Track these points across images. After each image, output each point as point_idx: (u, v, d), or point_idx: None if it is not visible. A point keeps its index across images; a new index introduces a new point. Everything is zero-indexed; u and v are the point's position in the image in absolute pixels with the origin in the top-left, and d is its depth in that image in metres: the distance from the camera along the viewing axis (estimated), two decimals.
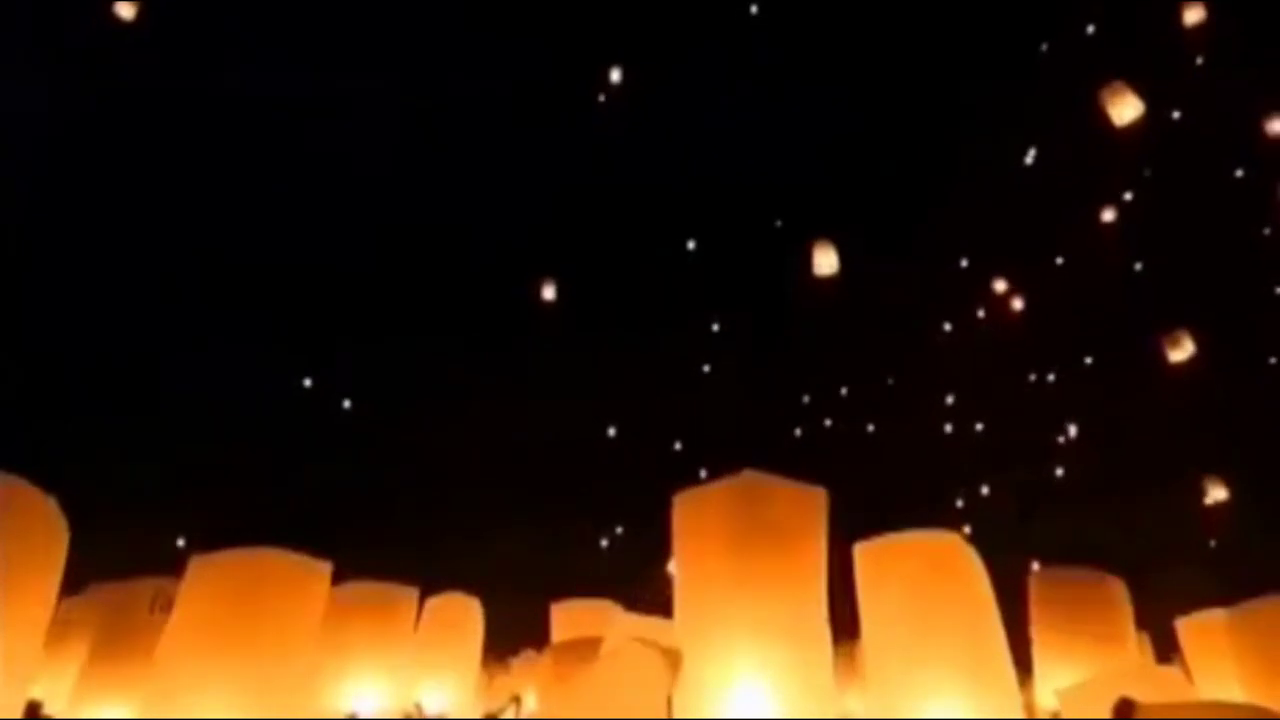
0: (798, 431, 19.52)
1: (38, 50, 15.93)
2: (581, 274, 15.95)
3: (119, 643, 5.53)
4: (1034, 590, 6.10)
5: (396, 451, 17.68)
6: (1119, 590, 6.14)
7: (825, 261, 12.71)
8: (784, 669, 3.73)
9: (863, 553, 4.12)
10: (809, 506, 4.05)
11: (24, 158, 15.77)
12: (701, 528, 4.01)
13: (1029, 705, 5.93)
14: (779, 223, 17.44)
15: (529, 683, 10.08)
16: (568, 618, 7.40)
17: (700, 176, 17.50)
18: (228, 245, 17.52)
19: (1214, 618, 5.95)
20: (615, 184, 17.69)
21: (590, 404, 18.48)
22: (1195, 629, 6.03)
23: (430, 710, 6.59)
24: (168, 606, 5.65)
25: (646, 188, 17.62)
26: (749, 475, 4.08)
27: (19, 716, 3.47)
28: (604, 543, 18.51)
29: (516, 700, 9.97)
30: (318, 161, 17.38)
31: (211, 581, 3.82)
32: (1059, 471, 18.99)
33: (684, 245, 17.41)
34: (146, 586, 5.83)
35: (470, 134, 18.14)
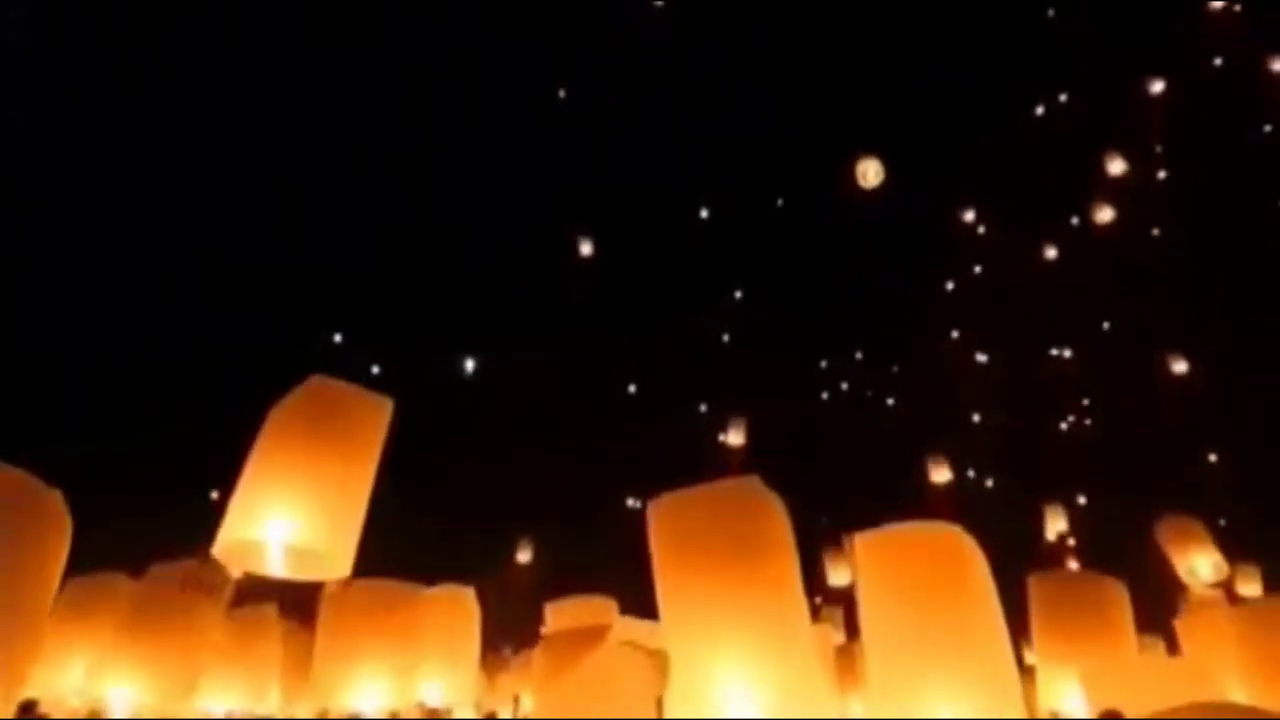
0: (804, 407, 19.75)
1: (37, 52, 15.93)
2: (587, 260, 16.06)
3: (150, 620, 5.81)
4: (1034, 592, 6.10)
5: (400, 446, 17.64)
6: (1118, 591, 6.14)
7: (870, 170, 12.73)
8: (767, 670, 3.72)
9: (862, 545, 4.09)
10: (772, 511, 4.05)
11: (25, 158, 15.78)
12: (678, 534, 4.02)
13: (1030, 705, 5.93)
14: (780, 202, 17.66)
15: (527, 683, 10.10)
16: (563, 617, 7.41)
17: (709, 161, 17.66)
18: (228, 245, 17.52)
19: (1215, 616, 5.97)
20: (616, 181, 17.73)
21: (595, 393, 18.62)
22: (1195, 627, 6.04)
23: (432, 701, 6.63)
24: (198, 587, 5.95)
25: (651, 185, 17.69)
26: (717, 481, 4.11)
27: (17, 707, 3.48)
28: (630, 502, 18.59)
29: (516, 700, 9.99)
30: (318, 162, 17.37)
31: (297, 409, 4.24)
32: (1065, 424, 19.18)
33: (695, 215, 17.55)
34: (178, 568, 6.10)
35: (469, 134, 18.14)
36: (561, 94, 15.92)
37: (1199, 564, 11.16)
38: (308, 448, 4.12)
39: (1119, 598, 6.10)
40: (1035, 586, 6.15)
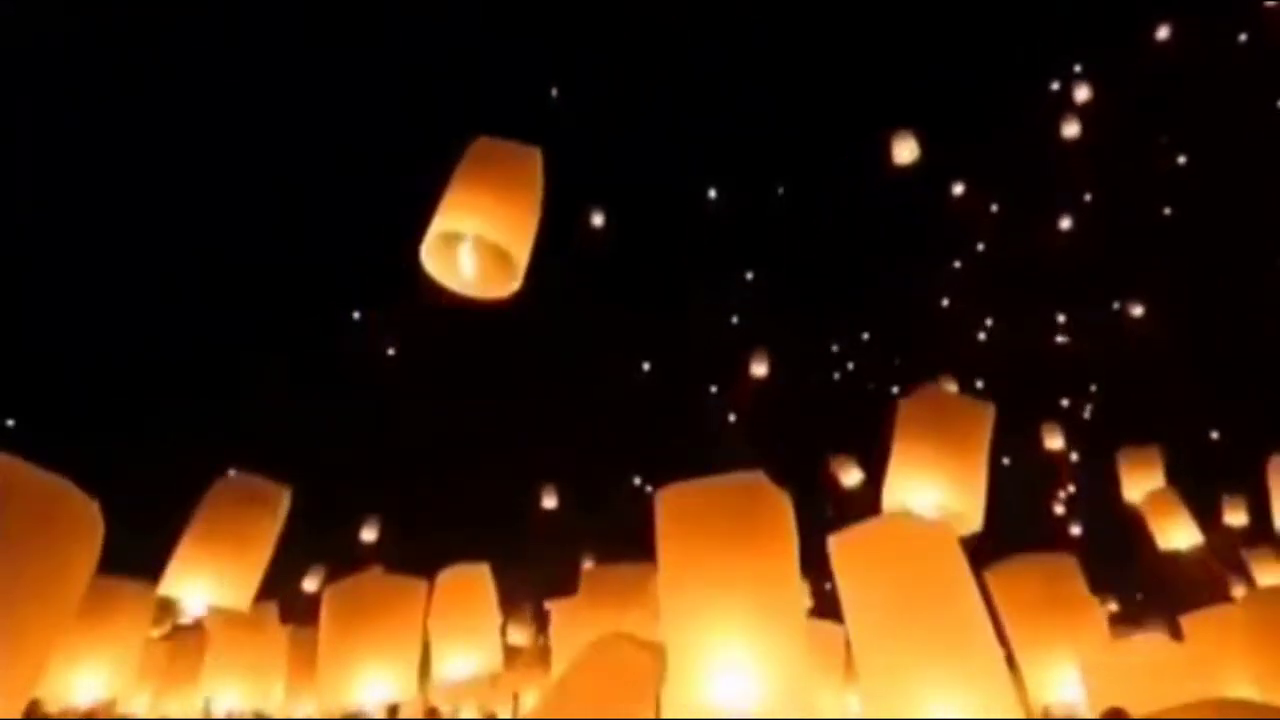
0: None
1: (35, 52, 15.91)
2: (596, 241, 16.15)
3: (214, 529, 6.41)
4: (994, 585, 6.02)
5: (402, 441, 17.72)
6: (1071, 566, 6.16)
7: (905, 149, 13.01)
8: (763, 666, 3.71)
9: (836, 544, 4.04)
10: (777, 507, 4.02)
11: (25, 158, 15.76)
12: (683, 525, 4.01)
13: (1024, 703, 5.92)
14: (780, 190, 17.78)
15: (528, 682, 10.10)
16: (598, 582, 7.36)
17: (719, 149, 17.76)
18: (228, 245, 17.52)
19: (1221, 611, 5.96)
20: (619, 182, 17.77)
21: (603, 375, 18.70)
22: (1199, 622, 6.03)
23: (458, 674, 6.75)
24: (253, 502, 6.69)
25: (652, 184, 17.74)
26: (723, 474, 4.09)
27: (25, 706, 3.46)
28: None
29: (515, 698, 9.99)
30: (318, 162, 17.36)
31: (480, 151, 5.18)
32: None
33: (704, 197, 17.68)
34: (240, 481, 6.85)
35: (469, 134, 18.10)
36: (555, 93, 15.96)
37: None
38: (493, 178, 5.02)
39: (1069, 572, 6.12)
40: (994, 580, 6.06)
